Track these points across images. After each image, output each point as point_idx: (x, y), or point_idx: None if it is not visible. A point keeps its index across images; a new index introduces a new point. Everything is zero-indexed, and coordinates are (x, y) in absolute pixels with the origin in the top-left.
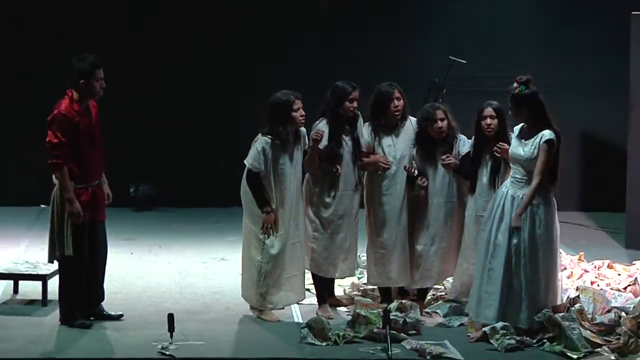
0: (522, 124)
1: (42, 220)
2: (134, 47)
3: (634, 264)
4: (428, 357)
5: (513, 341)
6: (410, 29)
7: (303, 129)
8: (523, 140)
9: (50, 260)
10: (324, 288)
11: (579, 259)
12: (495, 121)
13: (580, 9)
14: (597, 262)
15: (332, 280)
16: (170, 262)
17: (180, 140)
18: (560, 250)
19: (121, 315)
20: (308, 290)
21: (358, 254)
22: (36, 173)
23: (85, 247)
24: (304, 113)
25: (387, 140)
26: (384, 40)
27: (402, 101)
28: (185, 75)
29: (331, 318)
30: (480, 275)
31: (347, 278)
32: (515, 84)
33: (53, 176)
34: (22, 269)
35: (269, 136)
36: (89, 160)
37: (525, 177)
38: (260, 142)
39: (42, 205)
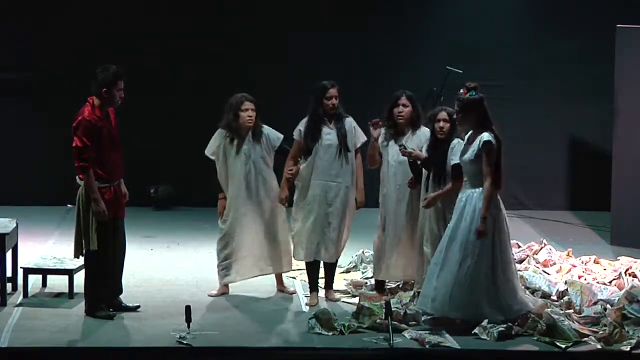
0: (469, 129)
1: (68, 218)
2: (152, 49)
3: (619, 260)
4: (427, 345)
5: (502, 328)
6: (410, 38)
7: (267, 129)
8: (469, 146)
9: (76, 256)
10: (311, 274)
11: (568, 255)
12: (448, 125)
13: (567, 21)
14: (584, 258)
15: (316, 265)
16: (187, 257)
17: (198, 143)
18: (550, 247)
19: (138, 307)
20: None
21: (362, 250)
22: (63, 174)
23: (109, 243)
24: (251, 115)
25: (393, 144)
26: (384, 51)
27: (409, 108)
28: (202, 77)
29: (313, 305)
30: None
31: (351, 272)
32: (463, 90)
33: (77, 177)
34: (50, 264)
35: (223, 130)
36: (111, 162)
37: (468, 181)
38: (216, 133)
39: (69, 205)
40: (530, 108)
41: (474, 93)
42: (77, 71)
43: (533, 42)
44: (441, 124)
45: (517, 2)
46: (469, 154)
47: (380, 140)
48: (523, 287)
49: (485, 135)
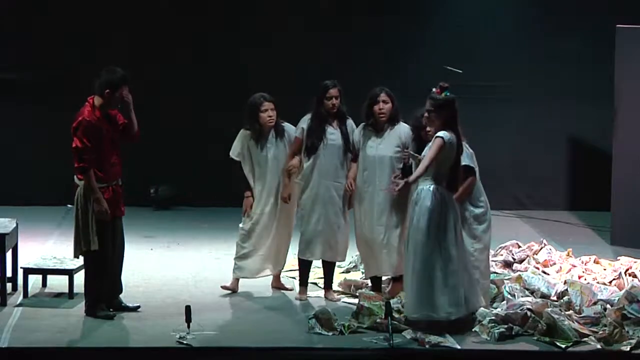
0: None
1: (68, 218)
2: (153, 49)
3: (619, 260)
4: (427, 345)
5: (503, 328)
6: (410, 38)
7: (287, 125)
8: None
9: (76, 256)
10: (303, 271)
11: (568, 255)
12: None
13: (567, 21)
14: (584, 258)
15: (310, 263)
16: (187, 257)
17: (198, 143)
18: (550, 247)
19: (138, 307)
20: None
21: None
22: (63, 174)
23: (109, 242)
24: (272, 114)
25: (372, 140)
26: (384, 51)
27: (389, 105)
28: (203, 77)
29: (302, 300)
30: None
31: (351, 272)
32: (436, 89)
33: (75, 177)
34: (50, 264)
35: (246, 131)
36: (110, 162)
37: (423, 177)
38: (239, 134)
39: (69, 205)
40: (530, 108)
41: (448, 93)
42: (77, 71)
43: (533, 42)
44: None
45: (517, 2)
46: (425, 150)
47: (357, 138)
48: (522, 287)
49: (441, 133)
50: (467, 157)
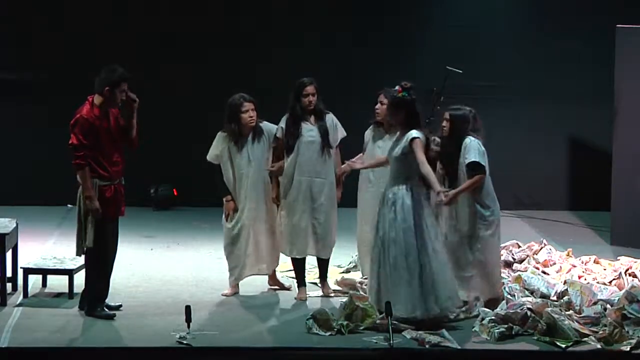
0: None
1: (68, 219)
2: (151, 48)
3: (619, 260)
4: (427, 345)
5: (503, 328)
6: (410, 38)
7: (267, 125)
8: (397, 143)
9: (78, 254)
10: (298, 270)
11: (568, 255)
12: (449, 125)
13: (567, 21)
14: (584, 258)
15: (302, 261)
16: (187, 257)
17: (198, 143)
18: (550, 247)
19: (120, 306)
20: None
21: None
22: (63, 174)
23: (109, 241)
24: (252, 115)
25: (381, 141)
26: (384, 51)
27: (385, 106)
28: (203, 77)
29: (303, 299)
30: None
31: (351, 272)
32: (398, 88)
33: (77, 176)
34: (50, 264)
35: (224, 132)
36: (112, 160)
37: (394, 178)
38: (217, 137)
39: (69, 205)
40: (530, 108)
41: (406, 94)
42: (77, 71)
43: (533, 42)
44: (443, 123)
45: (516, 2)
46: (397, 151)
47: (367, 138)
48: (522, 287)
49: (414, 132)
50: (479, 155)
